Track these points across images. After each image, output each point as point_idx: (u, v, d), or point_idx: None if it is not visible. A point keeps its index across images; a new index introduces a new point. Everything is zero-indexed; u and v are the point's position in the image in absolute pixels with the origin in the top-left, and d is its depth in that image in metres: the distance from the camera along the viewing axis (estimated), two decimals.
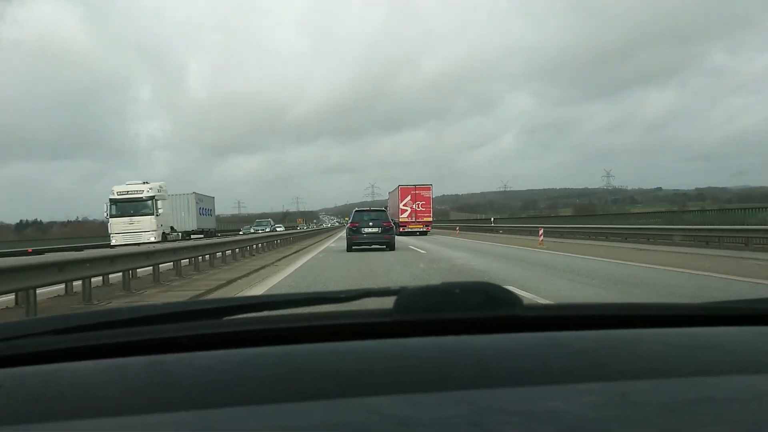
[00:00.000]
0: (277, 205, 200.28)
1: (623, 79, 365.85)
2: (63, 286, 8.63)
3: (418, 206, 40.28)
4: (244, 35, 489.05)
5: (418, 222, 39.73)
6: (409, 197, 40.33)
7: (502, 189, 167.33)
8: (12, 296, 7.55)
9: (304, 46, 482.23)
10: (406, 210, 40.07)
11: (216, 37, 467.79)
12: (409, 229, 38.95)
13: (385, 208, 47.36)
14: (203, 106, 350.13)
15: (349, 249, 19.50)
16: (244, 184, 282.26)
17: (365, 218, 20.06)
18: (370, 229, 19.52)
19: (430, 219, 40.92)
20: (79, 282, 8.05)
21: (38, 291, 6.86)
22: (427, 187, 41.44)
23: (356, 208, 22.02)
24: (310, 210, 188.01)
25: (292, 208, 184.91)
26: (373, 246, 19.26)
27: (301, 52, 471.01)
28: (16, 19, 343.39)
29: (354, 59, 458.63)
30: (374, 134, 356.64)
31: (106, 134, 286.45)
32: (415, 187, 41.19)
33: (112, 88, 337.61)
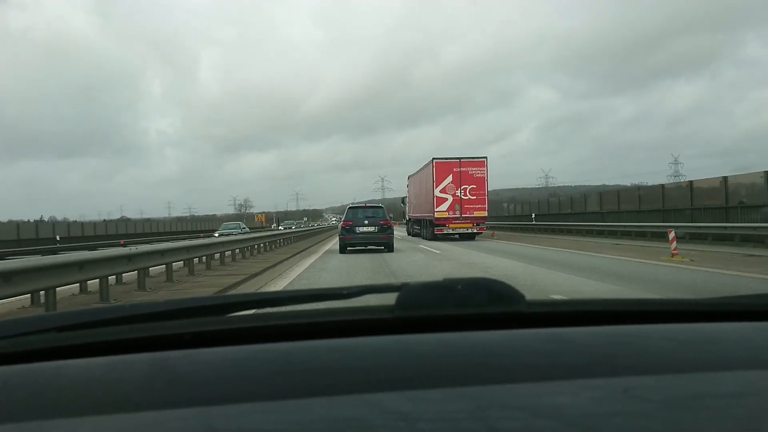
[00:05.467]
0: (283, 203, 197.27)
1: (652, 70, 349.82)
2: (78, 285, 8.60)
3: (466, 192, 25.13)
4: (257, 27, 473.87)
5: (466, 219, 24.97)
6: (449, 178, 25.21)
7: (543, 184, 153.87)
8: (27, 295, 7.51)
9: (318, 38, 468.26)
10: (446, 199, 25.11)
11: (228, 30, 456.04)
12: (450, 230, 24.89)
13: (403, 201, 37.64)
14: (214, 102, 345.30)
15: (343, 250, 17.37)
16: (253, 182, 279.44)
17: (360, 216, 17.74)
18: (365, 228, 17.36)
19: (485, 213, 25.66)
20: (94, 281, 8.04)
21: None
22: (481, 162, 25.82)
23: (350, 205, 19.60)
24: (316, 208, 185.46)
25: (293, 207, 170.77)
26: (369, 246, 17.37)
27: (316, 45, 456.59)
28: (23, 6, 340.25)
29: (370, 51, 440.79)
30: (388, 130, 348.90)
31: (115, 131, 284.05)
32: (460, 161, 25.57)
33: (121, 83, 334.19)
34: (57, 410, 0.60)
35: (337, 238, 18.86)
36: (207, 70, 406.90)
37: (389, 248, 17.17)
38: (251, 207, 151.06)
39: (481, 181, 25.55)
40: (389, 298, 0.82)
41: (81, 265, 6.96)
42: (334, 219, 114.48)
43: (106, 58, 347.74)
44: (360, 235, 17.33)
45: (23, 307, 7.62)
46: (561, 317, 0.90)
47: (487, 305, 0.81)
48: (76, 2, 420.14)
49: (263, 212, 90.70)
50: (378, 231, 17.30)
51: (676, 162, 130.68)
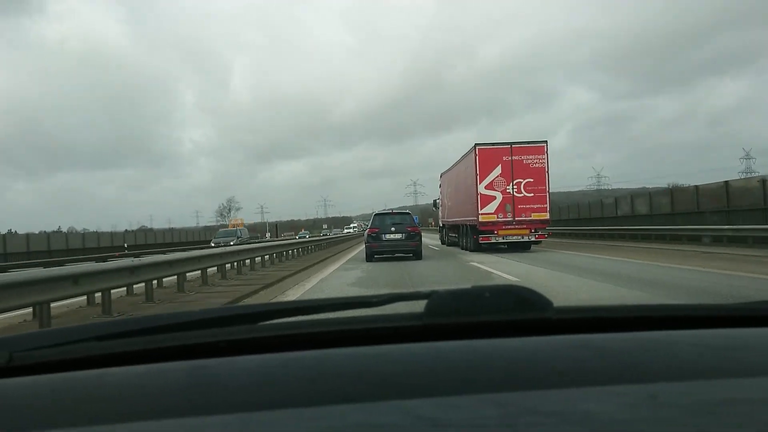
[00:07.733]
0: (312, 211, 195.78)
1: (694, 68, 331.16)
2: (84, 297, 8.53)
3: (520, 188, 18.83)
4: (288, 32, 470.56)
5: (520, 224, 18.73)
6: (498, 170, 18.91)
7: (594, 185, 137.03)
8: (30, 309, 7.44)
9: (349, 42, 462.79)
10: (493, 197, 18.90)
11: (259, 36, 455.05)
12: (500, 238, 18.77)
13: (436, 204, 31.36)
14: (246, 110, 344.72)
15: (369, 259, 16.72)
16: (283, 189, 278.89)
17: (387, 222, 17.13)
18: (392, 235, 16.77)
19: (546, 216, 18.94)
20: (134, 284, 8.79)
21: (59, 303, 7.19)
22: (540, 147, 19.14)
23: (376, 212, 18.63)
24: (345, 215, 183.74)
25: (322, 214, 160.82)
26: (397, 254, 16.83)
27: (346, 49, 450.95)
28: (59, 30, 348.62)
29: (401, 54, 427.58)
30: (420, 135, 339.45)
31: (148, 141, 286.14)
32: (512, 147, 19.04)
33: (154, 93, 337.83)
34: (101, 416, 0.62)
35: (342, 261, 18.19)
36: (238, 77, 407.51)
37: (417, 256, 16.68)
38: (239, 209, 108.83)
39: (541, 173, 18.81)
40: (418, 306, 0.84)
41: (76, 278, 6.95)
42: (354, 225, 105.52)
43: (139, 68, 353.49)
44: (387, 243, 16.73)
45: (24, 320, 7.52)
46: (589, 323, 0.91)
47: (516, 312, 0.82)
48: (109, 13, 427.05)
49: (241, 219, 68.74)
50: (405, 238, 16.74)
51: (748, 156, 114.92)
